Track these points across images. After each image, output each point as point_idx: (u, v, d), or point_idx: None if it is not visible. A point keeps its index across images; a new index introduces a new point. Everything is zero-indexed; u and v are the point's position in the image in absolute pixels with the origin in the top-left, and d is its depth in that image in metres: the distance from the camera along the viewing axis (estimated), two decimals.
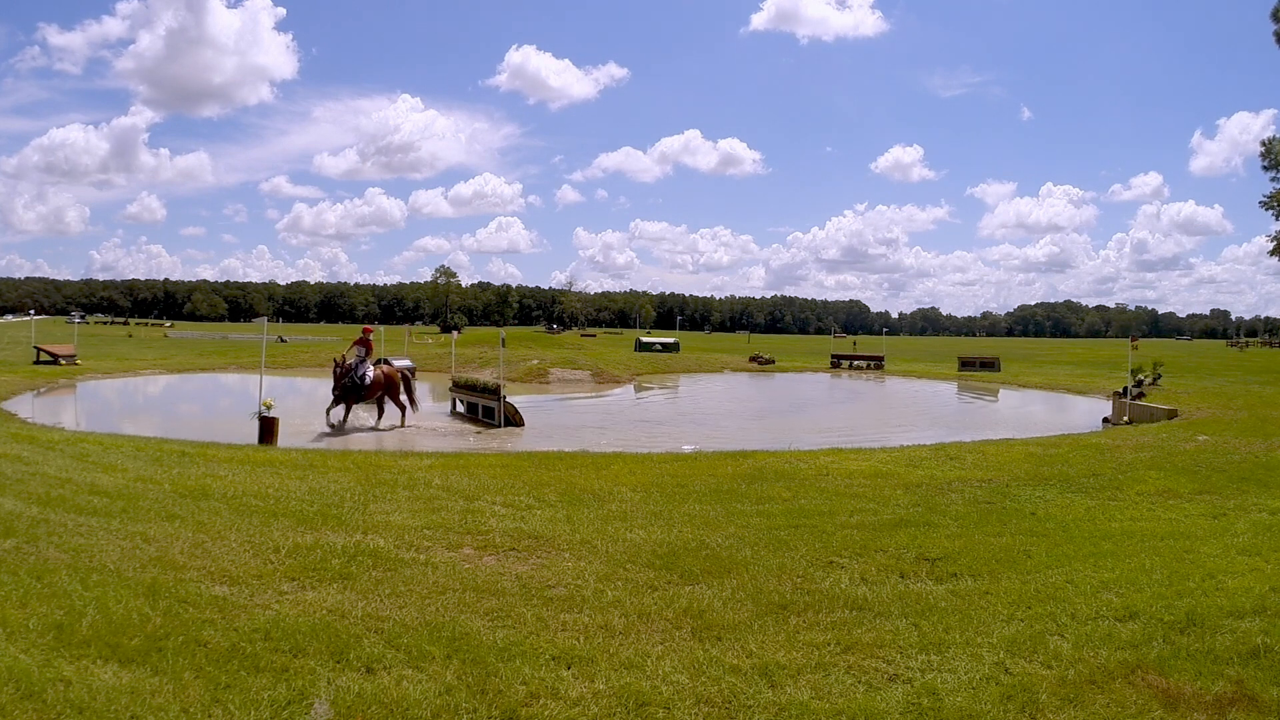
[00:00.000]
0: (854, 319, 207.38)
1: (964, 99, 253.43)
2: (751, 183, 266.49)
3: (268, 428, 13.47)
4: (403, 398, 17.70)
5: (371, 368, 16.72)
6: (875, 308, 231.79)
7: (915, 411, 25.07)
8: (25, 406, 19.96)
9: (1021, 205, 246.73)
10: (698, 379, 38.24)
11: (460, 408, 21.23)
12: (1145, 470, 9.39)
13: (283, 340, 56.21)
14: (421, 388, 30.43)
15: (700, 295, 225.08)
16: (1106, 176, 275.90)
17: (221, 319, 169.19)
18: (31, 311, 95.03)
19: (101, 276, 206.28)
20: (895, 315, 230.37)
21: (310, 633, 3.95)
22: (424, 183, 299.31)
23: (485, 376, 23.75)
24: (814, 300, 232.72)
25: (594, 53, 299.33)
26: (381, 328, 41.95)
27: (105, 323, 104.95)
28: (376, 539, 5.84)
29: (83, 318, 77.74)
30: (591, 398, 28.47)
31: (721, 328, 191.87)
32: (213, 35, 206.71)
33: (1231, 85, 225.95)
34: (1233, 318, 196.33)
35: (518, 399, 20.45)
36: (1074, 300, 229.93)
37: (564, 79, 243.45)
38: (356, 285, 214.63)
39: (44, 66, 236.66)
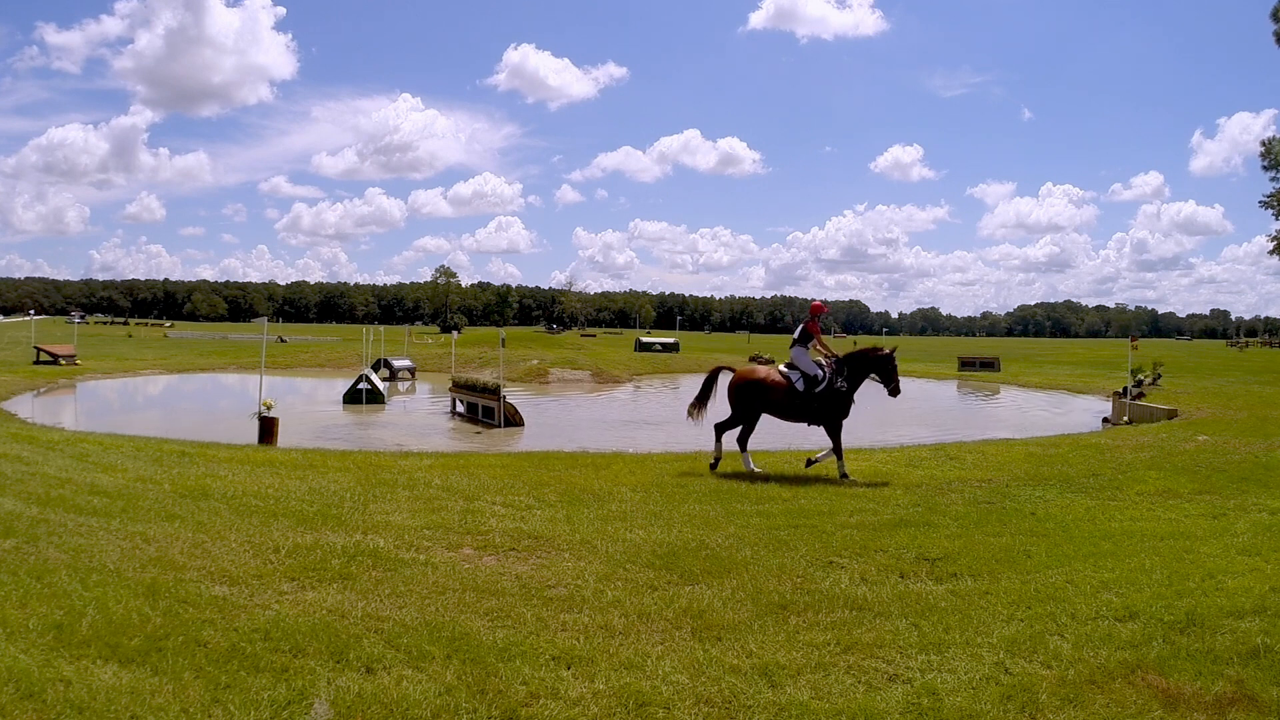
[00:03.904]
0: (854, 319, 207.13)
1: (964, 99, 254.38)
2: (751, 182, 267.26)
3: (268, 428, 13.47)
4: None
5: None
6: (875, 308, 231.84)
7: (915, 411, 25.05)
8: (25, 406, 19.98)
9: (1021, 205, 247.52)
10: (698, 379, 38.11)
11: (460, 408, 21.25)
12: (1145, 470, 9.38)
13: (282, 340, 56.22)
14: (422, 388, 30.52)
15: (700, 295, 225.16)
16: (1106, 176, 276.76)
17: (221, 319, 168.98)
18: (31, 311, 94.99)
19: (101, 276, 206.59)
20: (895, 315, 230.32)
21: (310, 633, 3.94)
22: (424, 183, 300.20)
23: (485, 376, 23.76)
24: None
25: (593, 52, 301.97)
26: (381, 328, 42.00)
27: (105, 323, 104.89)
28: (376, 539, 5.84)
29: (83, 318, 77.83)
30: (591, 398, 28.47)
31: (721, 328, 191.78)
32: (212, 35, 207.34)
33: (1231, 85, 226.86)
34: (1233, 318, 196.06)
35: (517, 399, 20.45)
36: (1074, 300, 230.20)
37: (563, 78, 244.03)
38: (356, 285, 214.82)
39: (42, 66, 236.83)
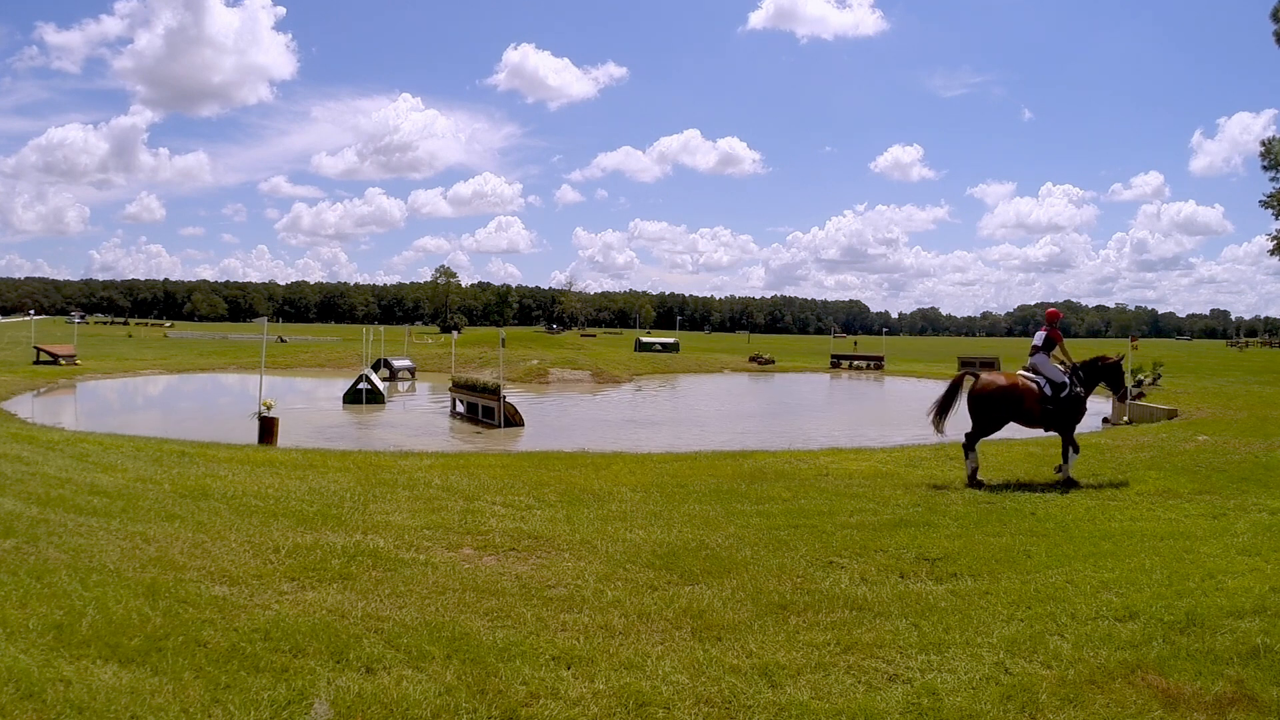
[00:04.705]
0: (854, 319, 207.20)
1: (964, 99, 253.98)
2: (751, 182, 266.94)
3: (268, 428, 13.48)
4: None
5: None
6: (875, 308, 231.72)
7: (916, 412, 25.03)
8: (25, 406, 19.98)
9: (1021, 205, 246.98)
10: (698, 379, 38.24)
11: (460, 408, 21.25)
12: (1145, 470, 9.39)
13: (282, 340, 56.25)
14: (422, 387, 30.54)
15: (700, 295, 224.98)
16: (1106, 176, 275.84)
17: (221, 319, 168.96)
18: (31, 311, 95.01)
19: (101, 276, 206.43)
20: (895, 315, 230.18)
21: (310, 633, 3.94)
22: (423, 182, 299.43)
23: (485, 376, 23.77)
24: (814, 300, 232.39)
25: (593, 52, 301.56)
26: (381, 328, 42.02)
27: (105, 323, 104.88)
28: (376, 539, 5.84)
29: (83, 318, 77.89)
30: (591, 398, 28.47)
31: (721, 328, 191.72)
32: (212, 34, 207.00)
33: (1231, 85, 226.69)
34: (1233, 318, 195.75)
35: (517, 399, 20.46)
36: (1074, 300, 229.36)
37: (563, 78, 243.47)
38: (356, 285, 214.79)
39: (42, 66, 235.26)
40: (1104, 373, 9.30)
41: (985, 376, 9.40)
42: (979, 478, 8.80)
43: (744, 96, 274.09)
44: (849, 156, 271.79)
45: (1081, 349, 10.66)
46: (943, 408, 9.37)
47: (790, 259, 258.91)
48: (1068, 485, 8.62)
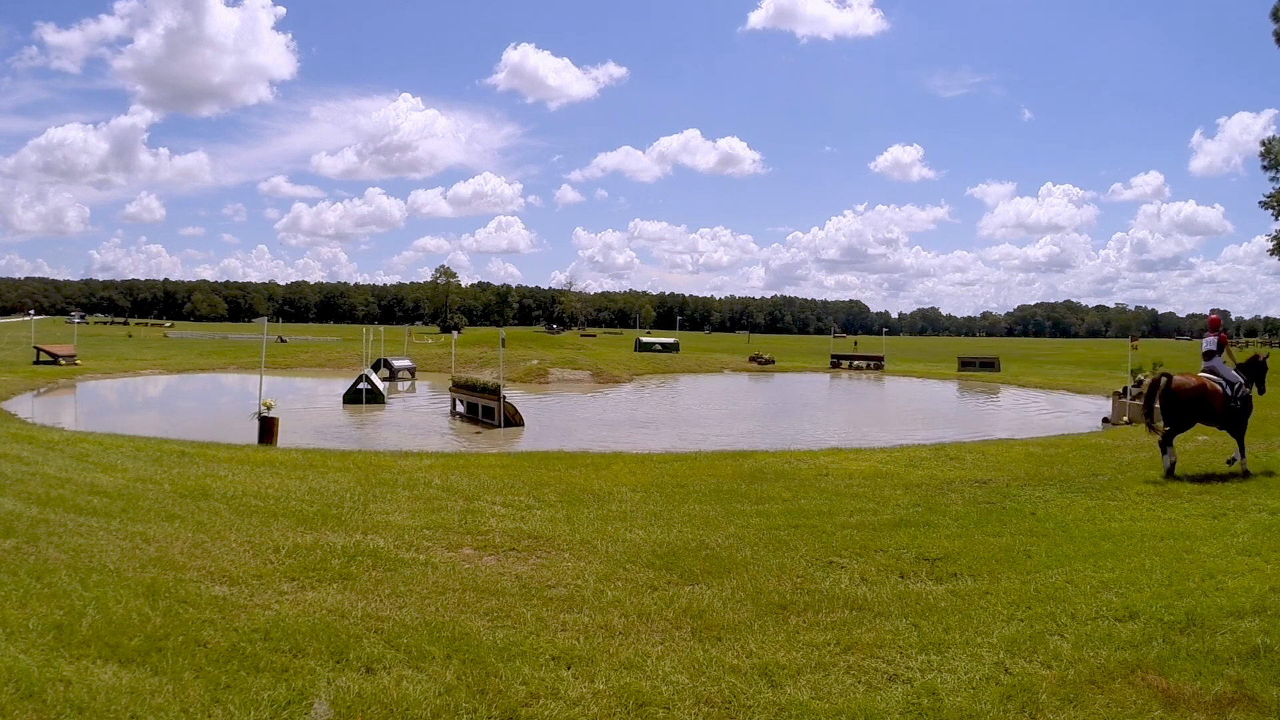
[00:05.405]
0: (854, 319, 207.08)
1: (964, 99, 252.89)
2: (751, 182, 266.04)
3: (268, 428, 13.49)
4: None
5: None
6: (875, 308, 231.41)
7: (915, 411, 25.08)
8: (25, 406, 20.00)
9: (1021, 205, 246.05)
10: (698, 379, 38.25)
11: (460, 408, 21.26)
12: (1145, 470, 9.39)
13: (282, 340, 56.27)
14: (422, 387, 30.56)
15: (700, 295, 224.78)
16: (1106, 176, 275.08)
17: (221, 319, 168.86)
18: (31, 312, 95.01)
19: (101, 276, 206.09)
20: (895, 315, 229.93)
21: (310, 633, 3.95)
22: (423, 182, 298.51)
23: (485, 376, 23.77)
24: (814, 300, 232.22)
25: (593, 52, 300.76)
26: (381, 328, 42.03)
27: (105, 323, 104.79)
28: (376, 539, 5.84)
29: (82, 318, 77.90)
30: (591, 398, 28.47)
31: (721, 328, 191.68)
32: (211, 34, 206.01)
33: (1231, 85, 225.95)
34: (1233, 318, 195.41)
35: (517, 399, 20.46)
36: (1074, 300, 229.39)
37: (563, 78, 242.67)
38: (356, 285, 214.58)
39: (42, 66, 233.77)
40: (1256, 370, 9.80)
41: (1179, 379, 9.63)
42: (1175, 472, 9.06)
43: (744, 96, 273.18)
44: (849, 156, 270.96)
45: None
46: (1150, 407, 9.69)
47: (790, 259, 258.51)
48: (1245, 475, 9.04)
